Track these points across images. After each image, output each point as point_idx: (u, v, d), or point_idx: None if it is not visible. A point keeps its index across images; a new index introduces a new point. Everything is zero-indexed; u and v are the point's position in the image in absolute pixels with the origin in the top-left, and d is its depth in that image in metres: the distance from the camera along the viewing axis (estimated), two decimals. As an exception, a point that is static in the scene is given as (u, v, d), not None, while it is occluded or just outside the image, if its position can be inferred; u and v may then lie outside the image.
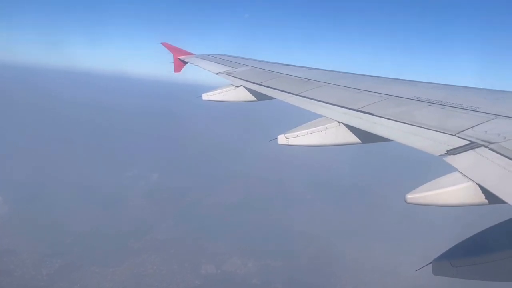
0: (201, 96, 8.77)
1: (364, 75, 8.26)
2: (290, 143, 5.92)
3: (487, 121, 4.71)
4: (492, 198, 3.64)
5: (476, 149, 4.14)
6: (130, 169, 75.21)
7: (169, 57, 12.97)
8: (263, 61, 10.76)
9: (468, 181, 3.81)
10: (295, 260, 49.61)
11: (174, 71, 12.90)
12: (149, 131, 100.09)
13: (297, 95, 7.23)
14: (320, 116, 6.12)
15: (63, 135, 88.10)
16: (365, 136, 5.61)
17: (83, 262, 46.46)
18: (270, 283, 46.37)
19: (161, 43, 13.45)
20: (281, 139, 5.95)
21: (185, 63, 12.66)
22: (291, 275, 47.01)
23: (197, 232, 54.45)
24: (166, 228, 56.17)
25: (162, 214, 59.72)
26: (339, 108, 6.18)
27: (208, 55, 12.67)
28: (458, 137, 4.49)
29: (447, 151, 4.29)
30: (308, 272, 47.34)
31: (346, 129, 5.72)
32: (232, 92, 8.70)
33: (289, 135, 5.94)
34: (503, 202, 3.38)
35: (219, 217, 58.40)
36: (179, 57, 12.80)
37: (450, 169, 4.04)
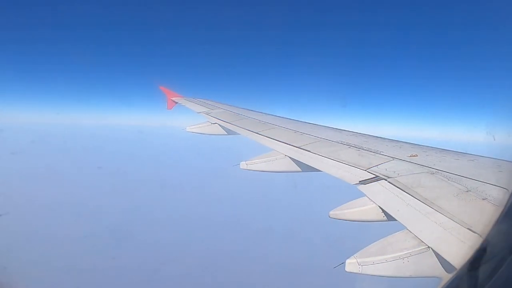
0: (185, 129, 8.71)
1: (305, 122, 8.43)
2: (249, 168, 5.95)
3: (387, 162, 4.91)
4: (388, 216, 3.82)
5: (379, 181, 4.31)
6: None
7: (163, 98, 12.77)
8: (233, 106, 10.84)
9: (373, 204, 3.98)
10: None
11: (167, 108, 12.76)
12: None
13: (256, 133, 7.26)
14: (272, 149, 6.20)
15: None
16: (304, 167, 5.67)
17: None
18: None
19: (160, 87, 13.29)
20: (243, 165, 5.97)
21: (176, 103, 12.55)
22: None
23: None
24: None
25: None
26: (286, 145, 6.25)
27: (193, 98, 12.65)
28: (368, 171, 4.65)
29: (360, 181, 4.44)
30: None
31: (291, 160, 5.80)
32: (209, 127, 8.67)
33: (248, 162, 5.97)
34: (395, 220, 3.56)
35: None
36: (171, 98, 12.69)
37: (361, 194, 4.20)
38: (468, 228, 3.02)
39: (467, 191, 3.71)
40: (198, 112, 10.10)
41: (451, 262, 2.74)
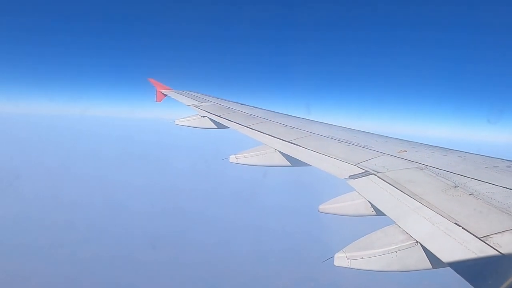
0: (174, 121, 8.58)
1: (295, 116, 8.41)
2: (238, 162, 5.90)
3: (377, 157, 4.93)
4: (377, 211, 3.83)
5: (369, 176, 4.33)
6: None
7: (153, 91, 12.56)
8: (223, 99, 10.73)
9: (362, 198, 3.99)
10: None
11: (156, 101, 12.54)
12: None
13: (246, 126, 7.20)
14: (262, 143, 6.16)
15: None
16: (293, 161, 5.65)
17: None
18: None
19: (148, 79, 13.05)
20: (232, 159, 5.91)
21: (165, 95, 12.36)
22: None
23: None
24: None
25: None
26: (276, 139, 6.21)
27: (183, 90, 12.47)
28: (357, 166, 4.67)
29: (349, 176, 4.45)
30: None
31: (280, 154, 5.77)
32: (198, 120, 8.57)
33: (238, 156, 5.92)
34: (384, 214, 3.57)
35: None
36: (160, 90, 12.48)
37: (350, 189, 4.21)
38: (455, 223, 3.05)
39: (455, 186, 3.75)
40: (187, 105, 9.97)
41: (439, 257, 2.76)
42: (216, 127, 8.41)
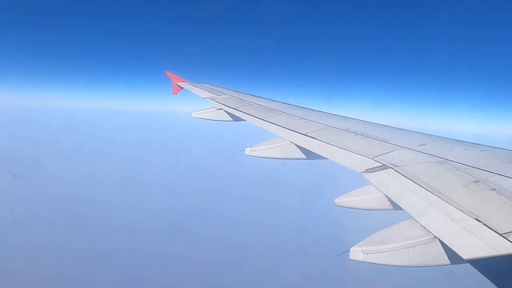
0: (190, 114, 8.66)
1: (311, 109, 8.35)
2: (254, 155, 5.91)
3: (394, 150, 4.84)
4: (394, 205, 3.77)
5: (386, 170, 4.26)
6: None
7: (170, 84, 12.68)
8: (239, 92, 10.75)
9: (378, 192, 3.93)
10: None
11: (173, 93, 12.69)
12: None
13: (262, 119, 7.20)
14: (278, 136, 6.16)
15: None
16: (309, 154, 5.63)
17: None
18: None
19: (166, 72, 13.19)
20: (248, 151, 5.94)
21: (181, 88, 12.48)
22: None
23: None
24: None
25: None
26: (292, 132, 6.18)
27: (199, 83, 12.56)
28: (374, 160, 4.60)
29: (366, 169, 4.39)
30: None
31: (296, 147, 5.75)
32: (214, 113, 8.62)
33: (253, 148, 5.94)
34: (401, 209, 3.51)
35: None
36: (177, 83, 12.61)
37: (367, 182, 4.16)
38: (475, 219, 2.97)
39: (476, 181, 3.64)
40: (203, 98, 10.04)
41: (458, 253, 2.70)
42: (232, 119, 8.45)
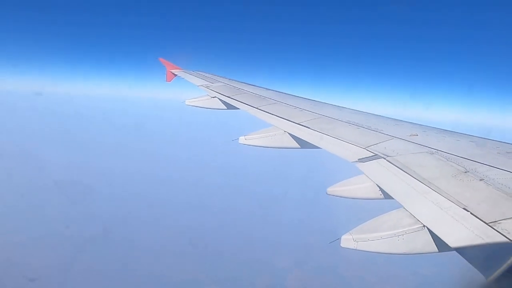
0: (184, 102, 8.59)
1: (305, 98, 8.32)
2: (247, 143, 5.92)
3: (386, 140, 4.90)
4: (385, 194, 3.83)
5: (378, 160, 4.31)
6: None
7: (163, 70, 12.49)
8: (233, 80, 10.66)
9: (370, 182, 3.99)
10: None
11: (166, 81, 12.52)
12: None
13: (256, 108, 7.17)
14: (271, 125, 6.15)
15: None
16: (303, 143, 5.64)
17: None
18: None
19: (159, 59, 12.97)
20: (242, 140, 5.93)
21: (175, 75, 12.31)
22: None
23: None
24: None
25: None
26: (286, 121, 6.19)
27: (193, 71, 12.41)
28: (367, 150, 4.65)
29: (358, 159, 4.44)
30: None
31: (289, 136, 5.75)
32: (208, 101, 8.56)
33: (247, 137, 5.93)
34: (392, 198, 3.58)
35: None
36: (170, 70, 12.43)
37: (359, 172, 4.21)
38: (464, 208, 3.04)
39: (465, 171, 3.71)
40: (197, 85, 9.94)
41: (446, 241, 2.77)
42: (226, 108, 8.40)
